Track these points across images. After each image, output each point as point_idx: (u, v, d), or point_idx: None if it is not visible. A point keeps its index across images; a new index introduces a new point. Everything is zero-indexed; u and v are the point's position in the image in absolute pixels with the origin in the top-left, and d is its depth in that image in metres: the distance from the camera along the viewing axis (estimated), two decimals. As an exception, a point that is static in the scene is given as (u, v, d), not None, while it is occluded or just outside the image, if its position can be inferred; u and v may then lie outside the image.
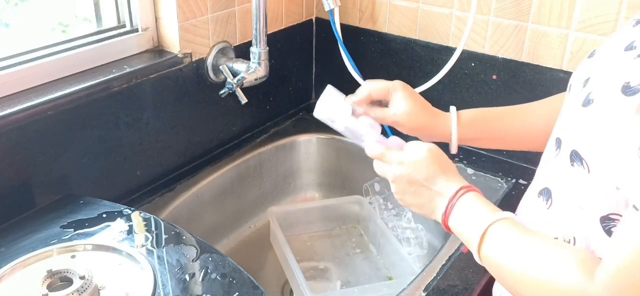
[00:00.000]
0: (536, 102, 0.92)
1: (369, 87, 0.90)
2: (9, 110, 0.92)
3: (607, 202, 0.60)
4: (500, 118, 0.93)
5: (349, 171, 1.43)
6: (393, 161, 0.80)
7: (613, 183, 0.59)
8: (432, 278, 0.94)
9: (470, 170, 1.27)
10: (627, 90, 0.59)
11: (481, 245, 0.69)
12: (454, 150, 0.92)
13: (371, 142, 0.85)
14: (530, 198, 0.76)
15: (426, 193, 0.77)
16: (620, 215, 0.60)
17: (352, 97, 0.90)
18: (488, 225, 0.68)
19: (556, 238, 0.68)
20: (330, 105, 0.89)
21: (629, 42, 0.66)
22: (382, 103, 0.91)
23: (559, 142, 0.70)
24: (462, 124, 0.90)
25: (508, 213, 0.70)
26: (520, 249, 0.66)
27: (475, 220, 0.70)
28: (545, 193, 0.71)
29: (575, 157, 0.64)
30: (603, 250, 0.61)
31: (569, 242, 0.66)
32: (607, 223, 0.61)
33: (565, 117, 0.71)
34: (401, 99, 0.89)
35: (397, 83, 0.90)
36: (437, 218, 0.77)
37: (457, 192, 0.74)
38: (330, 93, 0.90)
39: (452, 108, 0.92)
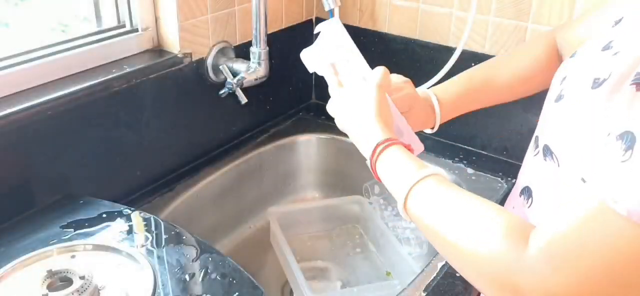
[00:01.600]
0: (497, 60, 0.96)
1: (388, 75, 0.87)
2: (9, 110, 0.92)
3: (574, 193, 0.58)
4: (475, 89, 0.93)
5: (349, 171, 1.43)
6: (339, 92, 0.81)
7: (579, 174, 0.57)
8: (432, 278, 0.94)
9: (470, 170, 1.27)
10: (595, 84, 0.59)
11: (407, 201, 0.66)
12: (435, 129, 0.90)
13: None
14: (513, 199, 0.76)
15: (357, 131, 0.77)
16: None
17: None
18: (416, 181, 0.65)
19: None
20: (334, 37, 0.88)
21: (606, 42, 0.66)
22: None
23: (536, 140, 0.71)
24: (443, 105, 0.89)
25: (437, 169, 0.69)
26: (445, 209, 0.62)
27: (402, 174, 0.67)
28: (526, 192, 0.71)
29: (546, 151, 0.65)
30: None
31: None
32: None
33: (542, 114, 0.72)
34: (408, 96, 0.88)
35: (408, 81, 0.91)
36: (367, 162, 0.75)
37: (384, 141, 0.71)
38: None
39: (424, 89, 0.91)
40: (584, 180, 0.55)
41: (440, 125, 0.90)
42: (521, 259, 0.53)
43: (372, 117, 0.74)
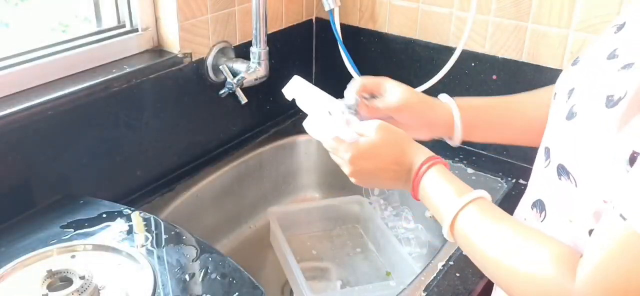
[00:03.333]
0: (524, 94, 0.90)
1: (360, 79, 0.89)
2: (9, 110, 0.92)
3: (594, 215, 0.60)
4: (495, 107, 0.90)
5: (349, 171, 1.43)
6: (344, 158, 0.78)
7: (600, 196, 0.59)
8: (432, 278, 0.94)
9: (470, 170, 1.27)
10: (610, 102, 0.59)
11: (453, 229, 0.68)
12: (458, 141, 0.88)
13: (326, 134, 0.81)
14: (524, 210, 0.75)
15: (384, 176, 0.76)
16: None
17: (347, 97, 0.88)
18: (458, 210, 0.67)
19: None
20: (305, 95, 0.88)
21: (611, 50, 0.65)
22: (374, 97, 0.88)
23: (547, 152, 0.69)
24: (462, 109, 0.86)
25: (480, 192, 0.69)
26: (495, 234, 0.65)
27: (445, 199, 0.69)
28: (539, 205, 0.71)
29: (562, 171, 0.64)
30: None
31: None
32: None
33: (552, 127, 0.71)
34: (393, 87, 0.86)
35: (388, 80, 0.88)
36: (407, 189, 0.76)
37: (418, 170, 0.73)
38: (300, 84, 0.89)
39: (444, 96, 0.88)
40: (614, 207, 0.56)
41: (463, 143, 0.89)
42: (572, 290, 0.56)
43: (403, 144, 0.76)
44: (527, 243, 0.62)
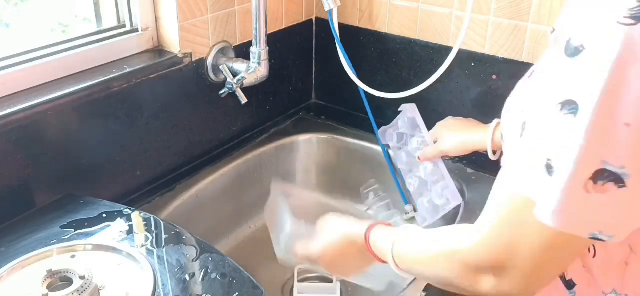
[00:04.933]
0: None
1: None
2: (9, 110, 0.92)
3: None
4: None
5: (349, 171, 1.43)
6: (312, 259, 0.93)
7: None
8: (432, 278, 0.94)
9: (470, 170, 1.27)
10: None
11: (394, 261, 0.80)
12: (495, 157, 1.07)
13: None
14: None
15: (351, 260, 0.90)
16: None
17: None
18: (392, 243, 0.80)
19: None
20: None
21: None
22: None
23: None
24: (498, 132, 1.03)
25: (405, 226, 0.83)
26: (414, 248, 0.78)
27: (382, 245, 0.83)
28: None
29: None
30: None
31: None
32: None
33: None
34: (443, 131, 1.17)
35: (440, 125, 1.18)
36: (371, 262, 0.88)
37: (366, 237, 0.85)
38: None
39: (495, 121, 1.06)
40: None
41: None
42: (464, 252, 0.69)
43: (341, 234, 0.90)
44: (437, 236, 0.76)
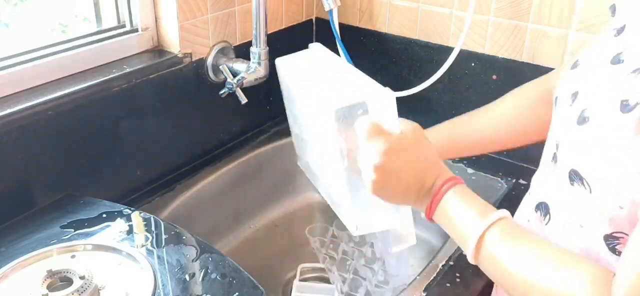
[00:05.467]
0: (482, 108, 0.94)
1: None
2: (9, 110, 0.92)
3: (610, 221, 0.59)
4: (456, 134, 0.93)
5: (349, 171, 1.43)
6: (380, 148, 0.71)
7: (616, 203, 0.58)
8: (432, 278, 0.94)
9: (470, 170, 1.27)
10: (625, 107, 0.58)
11: (479, 249, 0.66)
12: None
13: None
14: (527, 211, 0.75)
15: (407, 181, 0.71)
16: (626, 233, 0.59)
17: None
18: (486, 228, 0.65)
19: None
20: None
21: (614, 54, 0.64)
22: None
23: (555, 158, 0.69)
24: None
25: (503, 212, 0.67)
26: (526, 255, 0.63)
27: (468, 221, 0.67)
28: (543, 208, 0.70)
29: (575, 176, 0.63)
30: (612, 267, 0.60)
31: None
32: (611, 241, 0.61)
33: (560, 132, 0.69)
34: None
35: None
36: (418, 208, 0.73)
37: (440, 188, 0.70)
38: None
39: None
40: (621, 208, 0.56)
41: None
42: None
43: (433, 155, 0.73)
44: (561, 264, 0.61)
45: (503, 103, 0.92)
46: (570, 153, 0.65)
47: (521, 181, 1.22)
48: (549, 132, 0.73)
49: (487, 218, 0.66)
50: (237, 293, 0.78)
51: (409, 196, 0.73)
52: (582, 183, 0.62)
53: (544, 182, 0.72)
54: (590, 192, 0.61)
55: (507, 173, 1.25)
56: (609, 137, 0.59)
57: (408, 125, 0.74)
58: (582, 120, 0.63)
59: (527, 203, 0.75)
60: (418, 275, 0.96)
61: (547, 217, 0.69)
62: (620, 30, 0.67)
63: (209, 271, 0.81)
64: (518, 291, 0.64)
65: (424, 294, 0.91)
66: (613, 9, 0.71)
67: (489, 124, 0.92)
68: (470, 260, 0.67)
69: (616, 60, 0.64)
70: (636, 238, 0.55)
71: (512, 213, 0.76)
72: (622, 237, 0.59)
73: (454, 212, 0.69)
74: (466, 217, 0.68)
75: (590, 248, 0.62)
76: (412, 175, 0.72)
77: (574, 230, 0.64)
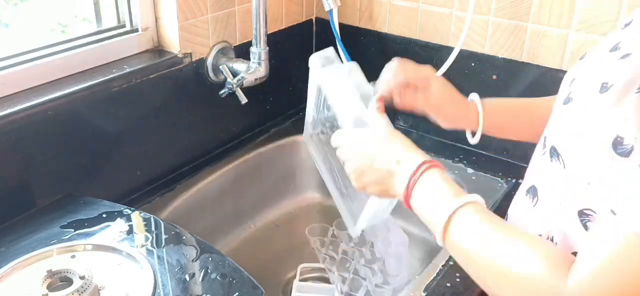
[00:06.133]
0: (544, 98, 0.91)
1: (407, 73, 0.88)
2: (9, 110, 0.92)
3: (581, 196, 0.61)
4: (517, 111, 0.95)
5: (349, 171, 1.43)
6: (350, 140, 0.78)
7: (585, 178, 0.59)
8: (432, 278, 0.94)
9: (470, 170, 1.27)
10: (604, 88, 0.59)
11: (446, 230, 0.66)
12: (476, 141, 0.93)
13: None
14: (519, 197, 0.76)
15: (385, 169, 0.73)
16: (594, 211, 0.60)
17: (383, 83, 0.88)
18: (454, 210, 0.65)
19: (540, 235, 0.67)
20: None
21: (614, 43, 0.67)
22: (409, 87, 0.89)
23: (544, 140, 0.71)
24: (487, 113, 0.91)
25: (475, 196, 0.67)
26: (488, 238, 0.63)
27: (439, 203, 0.67)
28: (532, 191, 0.71)
29: (553, 152, 0.65)
30: (579, 246, 0.61)
31: (551, 239, 0.66)
32: (583, 217, 0.61)
33: (551, 116, 0.72)
34: (438, 93, 0.89)
35: (435, 76, 0.91)
36: (396, 195, 0.73)
37: (418, 167, 0.70)
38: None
39: (475, 96, 0.93)
40: (613, 212, 0.56)
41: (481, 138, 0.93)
42: (564, 290, 0.55)
43: (407, 145, 0.74)
44: (519, 244, 0.61)
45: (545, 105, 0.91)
46: (553, 132, 0.68)
47: (521, 181, 1.21)
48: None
49: (460, 199, 0.66)
50: (237, 293, 0.78)
51: (390, 182, 0.73)
52: (558, 159, 0.64)
53: (534, 167, 0.74)
54: (564, 167, 0.63)
55: (507, 173, 1.25)
56: (585, 113, 0.61)
57: (381, 123, 0.78)
58: (567, 100, 0.66)
59: (520, 189, 0.77)
60: (418, 275, 0.96)
61: (536, 199, 0.70)
62: (627, 24, 0.70)
63: (209, 271, 0.81)
64: (479, 272, 0.65)
65: (424, 294, 0.91)
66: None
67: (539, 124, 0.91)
68: (438, 237, 0.67)
69: (614, 48, 0.66)
70: (603, 231, 0.56)
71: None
72: (591, 214, 0.60)
73: (430, 191, 0.69)
74: (440, 196, 0.68)
75: (566, 225, 0.63)
76: (387, 162, 0.73)
77: (555, 208, 0.65)
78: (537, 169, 0.72)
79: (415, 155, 0.72)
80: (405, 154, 0.73)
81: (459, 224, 0.65)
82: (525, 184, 0.75)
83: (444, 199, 0.67)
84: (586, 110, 0.61)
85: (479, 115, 0.91)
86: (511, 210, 0.79)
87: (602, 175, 0.57)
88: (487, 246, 0.63)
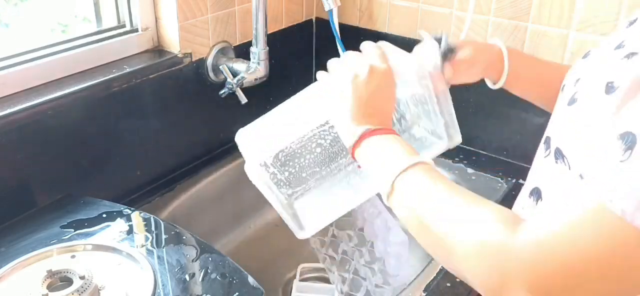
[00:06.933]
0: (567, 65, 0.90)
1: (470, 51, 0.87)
2: (9, 110, 0.92)
3: (572, 190, 0.60)
4: (541, 67, 0.93)
5: (349, 171, 1.43)
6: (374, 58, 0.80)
7: (579, 173, 0.58)
8: (432, 278, 0.94)
9: (470, 170, 1.27)
10: (609, 88, 0.58)
11: (394, 184, 0.64)
12: (499, 85, 0.90)
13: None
14: (522, 199, 0.75)
15: (356, 98, 0.74)
16: None
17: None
18: (406, 167, 0.64)
19: None
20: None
21: (619, 42, 0.66)
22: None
23: (547, 141, 0.70)
24: (512, 58, 0.88)
25: (425, 157, 0.66)
26: (437, 192, 0.62)
27: (392, 157, 0.66)
28: (535, 193, 0.71)
29: (558, 154, 0.64)
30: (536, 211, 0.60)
31: None
32: None
33: (555, 115, 0.71)
34: (479, 57, 0.88)
35: (469, 45, 0.88)
36: (344, 139, 0.73)
37: (382, 129, 0.70)
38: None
39: (497, 40, 0.89)
40: (582, 177, 0.55)
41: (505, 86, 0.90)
42: (511, 243, 0.53)
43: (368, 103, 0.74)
44: (468, 199, 0.60)
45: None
46: (558, 133, 0.67)
47: (521, 181, 1.21)
48: (550, 119, 0.74)
49: (412, 158, 0.65)
50: (237, 293, 0.78)
51: (344, 116, 0.73)
52: (564, 161, 0.63)
53: (538, 169, 0.73)
54: (570, 169, 0.62)
55: (507, 173, 1.25)
56: (590, 117, 0.59)
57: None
58: (572, 101, 0.64)
59: (522, 192, 0.76)
60: (418, 275, 0.96)
61: (539, 201, 0.69)
62: (632, 22, 0.69)
63: (209, 271, 0.81)
64: (422, 230, 0.63)
65: (424, 294, 0.91)
66: None
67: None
68: (385, 192, 0.66)
69: (618, 47, 0.65)
70: (568, 192, 0.54)
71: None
72: None
73: (383, 146, 0.69)
74: (392, 152, 0.67)
75: None
76: (373, 98, 0.74)
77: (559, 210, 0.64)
78: (541, 171, 0.71)
79: (387, 121, 0.73)
80: (383, 108, 0.74)
81: (408, 181, 0.64)
82: (528, 185, 0.74)
83: (395, 154, 0.67)
84: (592, 112, 0.60)
85: (503, 61, 0.88)
86: (513, 211, 0.79)
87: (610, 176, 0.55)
88: (436, 203, 0.61)
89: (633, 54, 0.60)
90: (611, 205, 0.49)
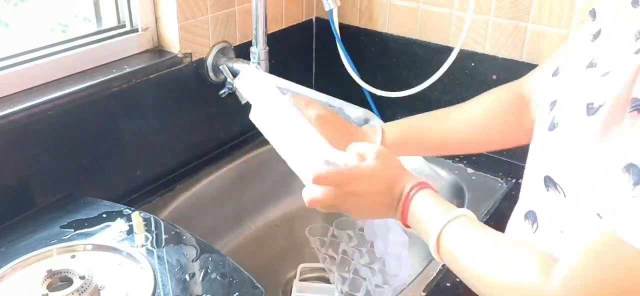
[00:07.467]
0: (454, 106, 0.93)
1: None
2: (9, 110, 0.92)
3: (589, 227, 0.59)
4: (423, 128, 0.92)
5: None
6: (346, 185, 0.73)
7: (594, 210, 0.58)
8: (432, 278, 0.94)
9: (470, 170, 1.27)
10: (590, 110, 0.59)
11: (439, 242, 0.68)
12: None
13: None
14: (517, 219, 0.75)
15: (378, 200, 0.74)
16: None
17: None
18: (446, 223, 0.68)
19: None
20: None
21: (589, 60, 0.65)
22: None
23: (533, 168, 0.70)
24: (387, 142, 0.88)
25: (465, 210, 0.70)
26: (478, 247, 0.66)
27: (432, 216, 0.70)
28: (531, 216, 0.71)
29: (549, 182, 0.64)
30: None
31: None
32: None
33: (536, 139, 0.71)
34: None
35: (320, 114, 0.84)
36: (394, 218, 0.76)
37: (408, 194, 0.73)
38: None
39: (376, 127, 0.90)
40: (600, 216, 0.56)
41: None
42: (547, 290, 0.57)
43: (397, 169, 0.75)
44: (507, 250, 0.63)
45: (479, 103, 0.92)
46: (543, 160, 0.67)
47: (521, 181, 1.21)
48: (532, 141, 0.74)
49: (449, 213, 0.69)
50: (237, 293, 0.78)
51: (380, 211, 0.76)
52: (556, 188, 0.63)
53: (528, 190, 0.73)
54: (565, 196, 0.62)
55: (507, 173, 1.25)
56: (576, 141, 0.60)
57: (370, 150, 0.75)
58: (553, 126, 0.64)
59: (517, 211, 0.76)
60: (418, 275, 0.96)
61: (535, 225, 0.69)
62: (596, 35, 0.68)
63: (209, 271, 0.81)
64: (476, 285, 0.66)
65: (424, 294, 0.91)
66: (593, 14, 0.72)
67: (465, 123, 0.91)
68: (433, 252, 0.69)
69: (590, 65, 0.65)
70: (586, 232, 0.56)
71: (511, 212, 0.76)
72: None
73: (422, 210, 0.72)
74: (432, 213, 0.71)
75: None
76: (379, 193, 0.74)
77: (556, 236, 0.65)
78: (532, 194, 0.71)
79: (406, 182, 0.74)
80: (397, 182, 0.74)
81: (449, 238, 0.68)
82: (522, 207, 0.74)
83: (435, 215, 0.70)
84: (576, 136, 0.60)
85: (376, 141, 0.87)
86: (509, 230, 0.78)
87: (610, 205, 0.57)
88: (477, 254, 0.65)
89: (607, 73, 0.60)
90: (629, 239, 0.51)
